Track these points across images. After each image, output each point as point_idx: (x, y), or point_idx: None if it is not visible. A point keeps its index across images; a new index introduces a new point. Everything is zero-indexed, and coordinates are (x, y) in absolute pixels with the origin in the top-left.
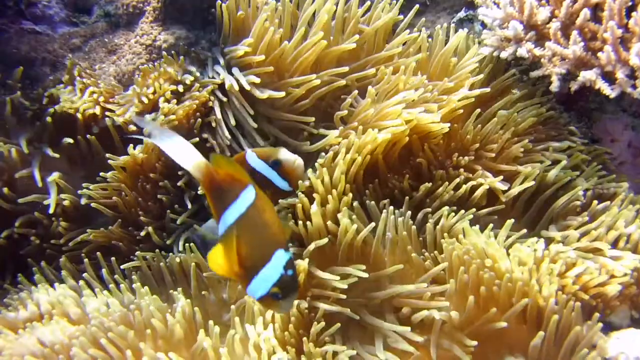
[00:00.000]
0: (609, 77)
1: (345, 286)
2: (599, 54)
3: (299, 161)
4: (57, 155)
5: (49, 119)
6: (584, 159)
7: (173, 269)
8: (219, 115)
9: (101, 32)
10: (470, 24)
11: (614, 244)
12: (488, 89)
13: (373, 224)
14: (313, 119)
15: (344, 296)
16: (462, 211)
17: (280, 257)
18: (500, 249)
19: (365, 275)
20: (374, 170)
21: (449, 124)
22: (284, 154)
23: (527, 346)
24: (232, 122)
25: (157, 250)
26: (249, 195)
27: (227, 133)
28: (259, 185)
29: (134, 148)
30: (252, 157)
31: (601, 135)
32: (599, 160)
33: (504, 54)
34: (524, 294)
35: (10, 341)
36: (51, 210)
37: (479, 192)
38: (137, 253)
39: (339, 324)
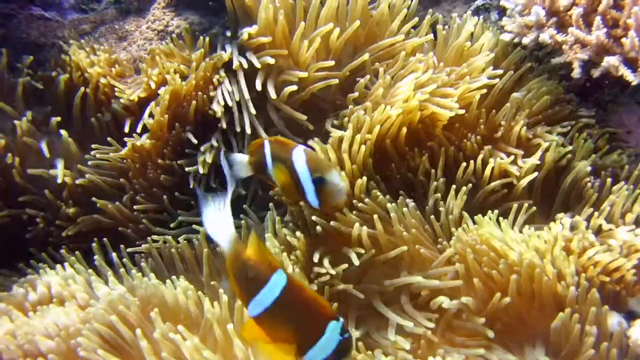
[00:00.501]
0: (631, 65)
1: (333, 272)
2: (623, 40)
3: (343, 191)
4: (58, 119)
5: (61, 84)
6: (593, 134)
7: (184, 255)
8: (228, 87)
9: (111, 19)
10: (487, 13)
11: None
12: (501, 71)
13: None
14: (305, 117)
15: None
16: (453, 187)
17: (334, 328)
18: (516, 236)
19: (357, 262)
20: (383, 154)
21: (464, 110)
22: (333, 176)
23: (549, 335)
24: (237, 97)
25: (168, 236)
26: (280, 278)
27: (227, 98)
28: (290, 179)
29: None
30: (299, 156)
31: (617, 127)
32: (604, 140)
33: (525, 40)
34: (542, 280)
35: (23, 322)
36: (59, 180)
37: (488, 171)
38: (149, 238)
39: (335, 304)
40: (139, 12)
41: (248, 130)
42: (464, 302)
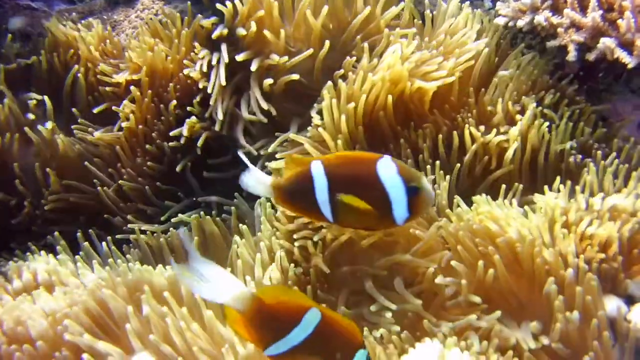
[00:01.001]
0: (627, 48)
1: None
2: (618, 22)
3: (434, 199)
4: (34, 101)
5: (43, 63)
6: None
7: (173, 245)
8: (203, 53)
9: (99, 9)
10: (480, 0)
11: None
12: (488, 39)
13: None
14: (266, 106)
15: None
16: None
17: (360, 356)
18: (513, 213)
19: (316, 238)
20: (377, 132)
21: (453, 77)
22: (427, 183)
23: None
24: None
25: (156, 225)
26: (313, 316)
27: (203, 65)
28: (368, 199)
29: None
30: (388, 166)
31: (611, 116)
32: (590, 121)
33: (520, 23)
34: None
35: (12, 306)
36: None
37: (467, 137)
38: (136, 228)
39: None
40: (128, 2)
41: (216, 108)
42: (453, 265)
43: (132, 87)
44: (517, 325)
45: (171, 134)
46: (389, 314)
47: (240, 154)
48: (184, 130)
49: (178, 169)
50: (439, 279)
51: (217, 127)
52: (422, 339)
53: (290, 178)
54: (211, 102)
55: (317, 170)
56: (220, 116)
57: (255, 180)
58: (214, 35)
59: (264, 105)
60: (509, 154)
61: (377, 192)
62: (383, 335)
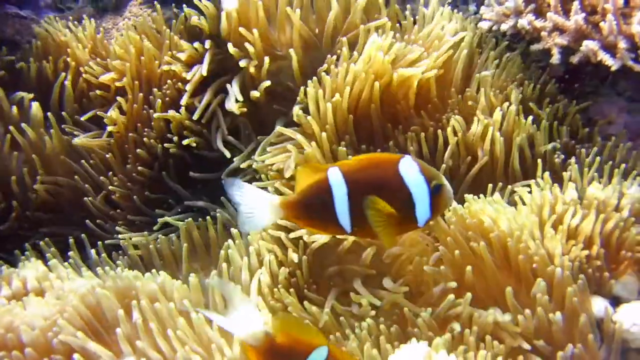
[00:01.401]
0: (610, 50)
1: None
2: (601, 24)
3: (452, 196)
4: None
5: (32, 68)
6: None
7: (162, 252)
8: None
9: (88, 17)
10: (465, 5)
11: None
12: (466, 33)
13: None
14: (240, 97)
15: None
16: None
17: None
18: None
19: (293, 235)
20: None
21: (434, 71)
22: (446, 181)
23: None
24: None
25: (146, 232)
26: (320, 354)
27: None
28: (390, 202)
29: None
30: (410, 166)
31: (597, 118)
32: (575, 121)
33: (504, 27)
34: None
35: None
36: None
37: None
38: (126, 236)
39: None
40: (116, 9)
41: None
42: (440, 250)
43: (120, 96)
44: None
45: (155, 115)
46: (364, 301)
47: (231, 191)
48: (169, 112)
49: (169, 146)
50: (427, 267)
51: (195, 116)
52: (406, 330)
53: (305, 190)
54: (187, 87)
55: (335, 178)
56: (185, 101)
57: (259, 206)
58: (193, 20)
59: (239, 97)
60: (489, 136)
61: (400, 194)
62: (369, 325)
